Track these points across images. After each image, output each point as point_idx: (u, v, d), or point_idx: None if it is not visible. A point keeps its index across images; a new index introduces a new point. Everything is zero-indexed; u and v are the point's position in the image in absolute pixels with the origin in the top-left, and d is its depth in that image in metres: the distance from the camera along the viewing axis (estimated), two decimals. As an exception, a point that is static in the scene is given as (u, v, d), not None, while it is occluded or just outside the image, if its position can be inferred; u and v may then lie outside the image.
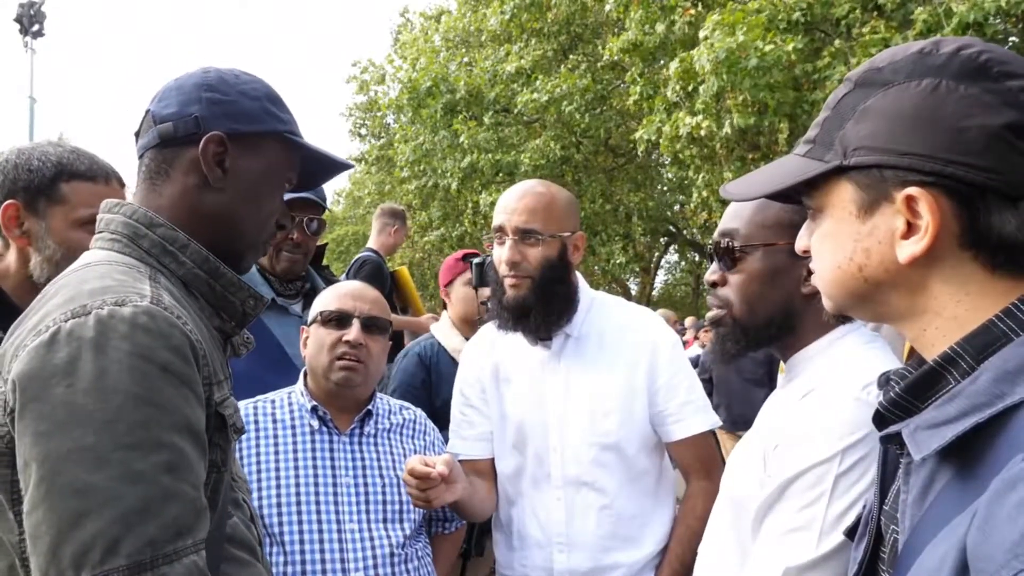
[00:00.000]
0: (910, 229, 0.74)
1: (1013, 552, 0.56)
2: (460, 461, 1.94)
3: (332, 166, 1.30)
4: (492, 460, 1.96)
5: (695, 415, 1.83)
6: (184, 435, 0.94)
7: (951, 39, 0.76)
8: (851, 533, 0.96)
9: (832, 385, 1.18)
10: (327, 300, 1.87)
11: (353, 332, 1.80)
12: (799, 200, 0.87)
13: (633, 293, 19.80)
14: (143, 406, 0.90)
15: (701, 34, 7.89)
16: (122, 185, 1.62)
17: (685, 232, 17.80)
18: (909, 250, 0.74)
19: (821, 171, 0.80)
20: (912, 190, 0.73)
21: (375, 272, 3.95)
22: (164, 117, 1.11)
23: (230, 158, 1.12)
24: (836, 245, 0.81)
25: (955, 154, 0.71)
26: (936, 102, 0.73)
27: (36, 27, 15.54)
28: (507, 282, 1.81)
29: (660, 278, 24.69)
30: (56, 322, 0.93)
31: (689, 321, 10.61)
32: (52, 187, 1.51)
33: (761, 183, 0.88)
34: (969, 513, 0.64)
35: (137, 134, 1.16)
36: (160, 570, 0.88)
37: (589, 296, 1.91)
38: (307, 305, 2.31)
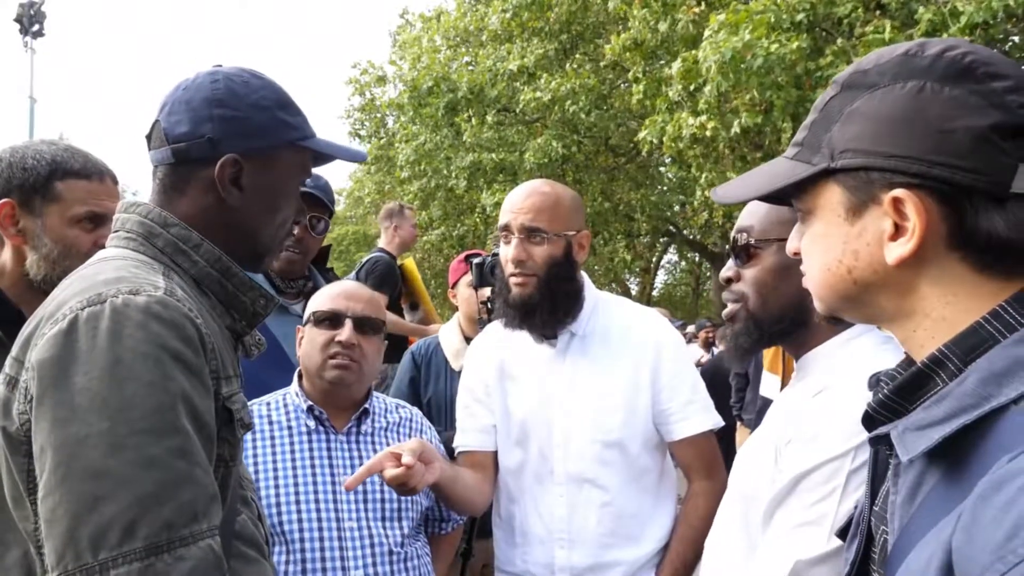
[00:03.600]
0: (898, 231, 0.74)
1: (997, 554, 0.56)
2: (459, 453, 1.95)
3: (345, 153, 1.30)
4: (492, 454, 1.96)
5: (698, 414, 1.84)
6: (192, 422, 0.96)
7: (936, 40, 0.76)
8: (843, 534, 0.97)
9: (845, 384, 1.19)
10: (320, 300, 1.87)
11: (345, 332, 1.79)
12: (790, 202, 0.88)
13: (633, 293, 19.79)
14: (156, 392, 0.92)
15: (706, 34, 7.88)
16: (115, 182, 1.63)
17: (686, 232, 17.77)
18: (897, 252, 0.74)
19: (809, 174, 0.80)
20: (899, 192, 0.73)
21: (385, 272, 3.96)
22: (177, 137, 1.12)
23: (245, 176, 1.13)
24: (825, 247, 0.82)
25: (941, 156, 0.71)
26: (921, 104, 0.73)
27: (36, 27, 15.56)
28: (513, 280, 1.82)
29: (660, 278, 24.68)
30: (73, 310, 0.95)
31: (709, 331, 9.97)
32: (47, 185, 1.52)
33: (751, 186, 0.89)
34: (955, 514, 0.64)
35: (148, 138, 1.17)
36: (176, 552, 0.89)
37: (594, 295, 1.92)
38: (308, 306, 2.32)
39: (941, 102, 0.72)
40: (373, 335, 1.85)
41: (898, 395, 0.76)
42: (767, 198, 0.88)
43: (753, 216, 1.33)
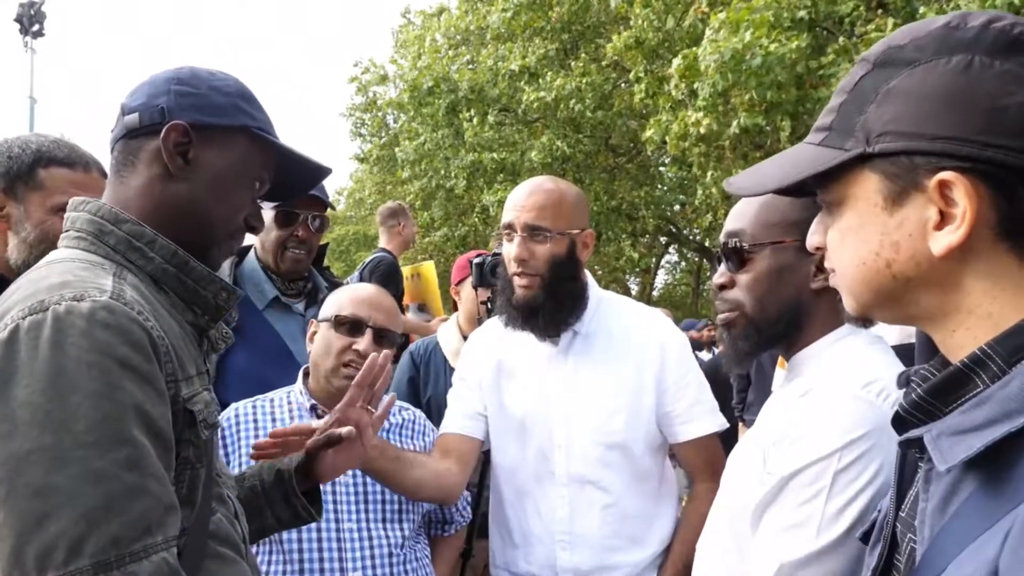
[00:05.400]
0: (943, 219, 0.69)
1: None
2: (440, 435, 1.91)
3: (309, 170, 1.27)
4: (475, 442, 1.91)
5: (704, 416, 1.82)
6: (145, 431, 0.92)
7: (977, 12, 0.71)
8: (865, 537, 0.93)
9: (831, 384, 1.17)
10: (343, 303, 1.83)
11: (364, 343, 1.76)
12: (811, 193, 0.82)
13: (633, 293, 19.77)
14: (102, 403, 0.89)
15: (707, 33, 7.85)
16: (104, 175, 1.64)
17: (686, 232, 17.74)
18: (944, 241, 0.68)
19: (842, 160, 0.74)
20: (947, 175, 0.67)
21: (389, 272, 4.07)
22: (132, 109, 1.11)
23: (194, 149, 1.10)
24: (860, 240, 0.75)
25: (994, 136, 0.66)
26: (970, 80, 0.68)
27: (36, 27, 15.56)
28: (516, 280, 1.79)
29: (660, 278, 24.67)
30: (14, 319, 0.91)
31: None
32: (30, 173, 1.57)
33: (772, 175, 0.82)
34: (1000, 531, 0.60)
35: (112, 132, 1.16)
36: (127, 568, 0.87)
37: (598, 295, 1.90)
38: (309, 304, 2.34)
39: (992, 77, 0.67)
40: (389, 347, 1.82)
41: (932, 396, 0.71)
42: (788, 190, 0.82)
43: (743, 219, 1.30)
